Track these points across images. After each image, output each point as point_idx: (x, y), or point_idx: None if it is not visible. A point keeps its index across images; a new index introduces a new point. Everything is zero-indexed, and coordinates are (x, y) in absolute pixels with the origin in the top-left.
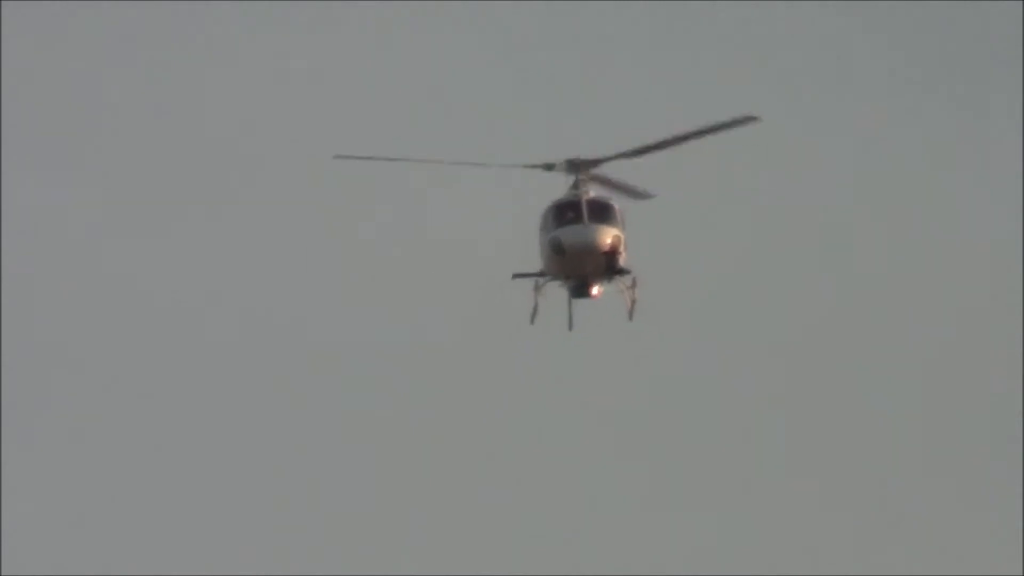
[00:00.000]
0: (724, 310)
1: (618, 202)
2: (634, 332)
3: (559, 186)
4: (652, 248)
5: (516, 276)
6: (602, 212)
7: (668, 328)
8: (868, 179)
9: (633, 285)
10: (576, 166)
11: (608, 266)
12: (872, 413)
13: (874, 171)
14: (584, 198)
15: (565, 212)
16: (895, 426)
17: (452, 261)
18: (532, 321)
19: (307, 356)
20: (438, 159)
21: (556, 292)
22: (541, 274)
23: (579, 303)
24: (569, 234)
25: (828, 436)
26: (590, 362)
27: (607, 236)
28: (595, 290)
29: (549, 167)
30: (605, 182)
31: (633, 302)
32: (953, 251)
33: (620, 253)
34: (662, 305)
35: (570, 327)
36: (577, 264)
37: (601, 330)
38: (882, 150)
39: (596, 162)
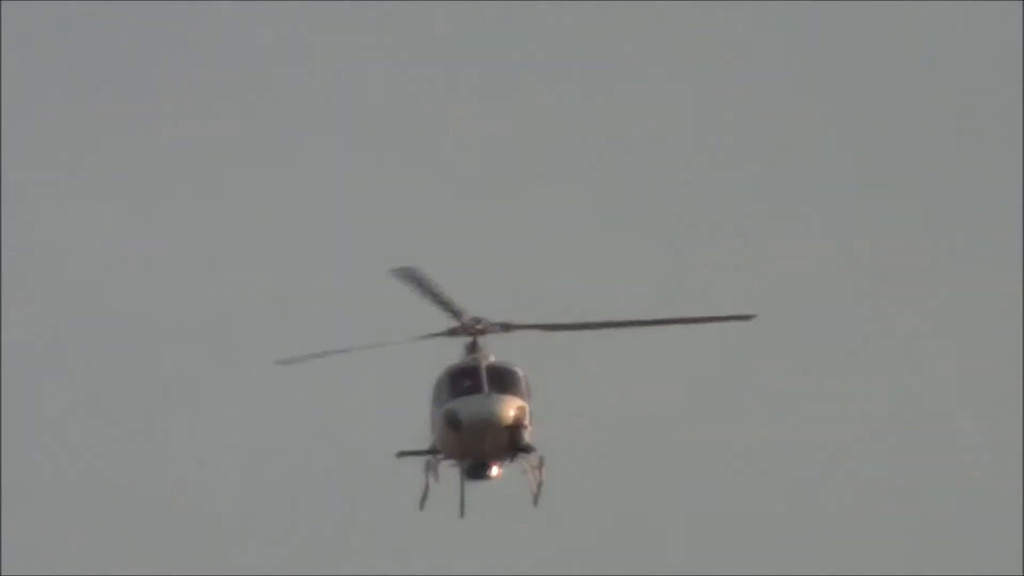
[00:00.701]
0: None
1: (522, 368)
2: (540, 519)
3: (452, 350)
4: (565, 422)
5: (402, 454)
6: (505, 380)
7: (581, 515)
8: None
9: (540, 465)
10: (475, 329)
11: (512, 443)
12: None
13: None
14: (483, 363)
15: (461, 380)
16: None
17: (329, 438)
18: (422, 506)
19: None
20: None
21: (450, 472)
22: (432, 451)
23: (475, 486)
24: (467, 406)
25: None
26: (488, 554)
27: (510, 408)
28: (495, 471)
29: (455, 332)
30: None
31: (539, 484)
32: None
33: (525, 427)
34: (574, 487)
35: (462, 513)
36: (475, 441)
37: (500, 517)
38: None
39: (502, 327)
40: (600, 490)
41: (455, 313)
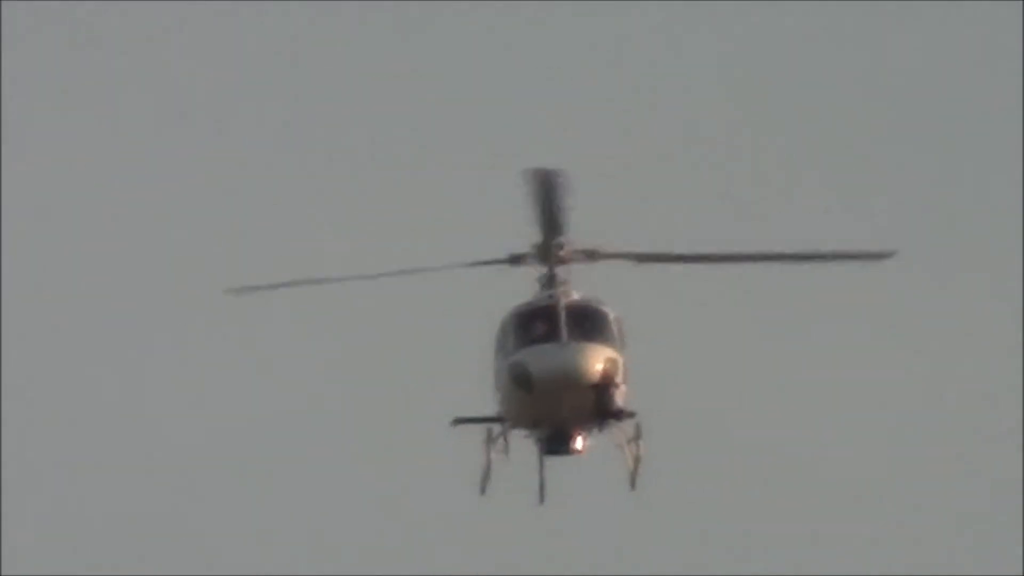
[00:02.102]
0: (775, 470)
1: (614, 309)
2: (639, 507)
3: (522, 285)
4: (669, 380)
5: (458, 421)
6: (590, 324)
7: (689, 502)
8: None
9: (637, 436)
10: (551, 251)
11: (599, 407)
12: None
13: None
14: (562, 302)
15: (533, 325)
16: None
17: (360, 400)
18: (483, 490)
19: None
20: (357, 274)
21: (520, 447)
22: (495, 419)
23: (554, 463)
24: (540, 359)
25: None
26: (570, 553)
27: (597, 360)
28: (579, 443)
29: (517, 260)
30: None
31: (637, 461)
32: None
33: (618, 387)
34: (683, 465)
35: (541, 499)
36: (552, 404)
37: (588, 504)
38: None
39: (587, 254)
40: (714, 468)
41: (555, 233)
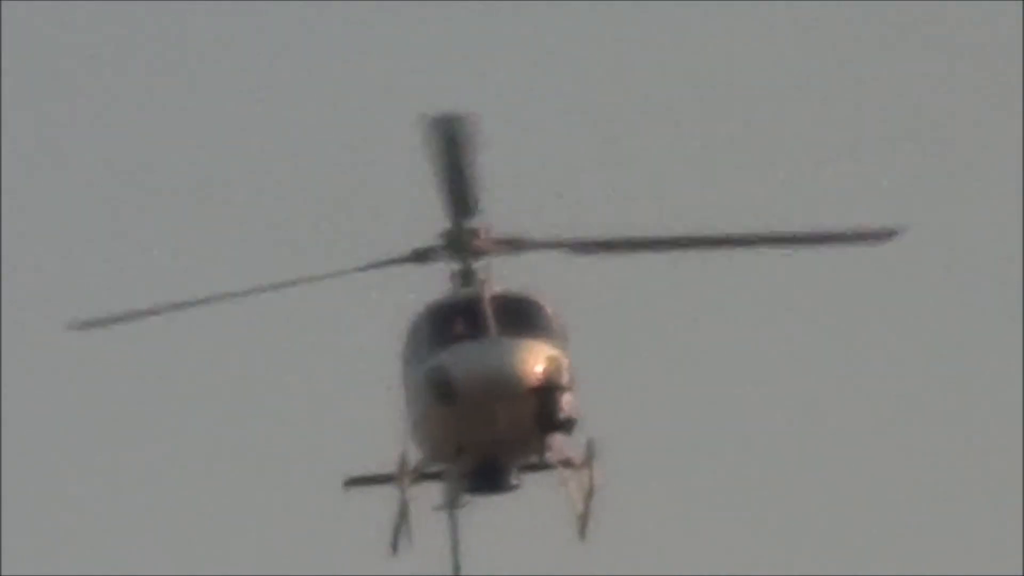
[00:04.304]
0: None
1: (548, 301)
2: (594, 566)
3: (431, 287)
4: (621, 395)
5: (350, 483)
6: (523, 316)
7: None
8: None
9: (590, 459)
10: (464, 241)
11: (543, 418)
12: None
13: None
14: (487, 293)
15: (452, 321)
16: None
17: (233, 463)
18: (395, 549)
19: None
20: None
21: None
22: (399, 471)
23: (473, 511)
24: (463, 360)
25: None
26: None
27: (536, 359)
28: (512, 478)
29: (421, 256)
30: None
31: (589, 496)
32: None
33: (563, 391)
34: (646, 500)
35: (455, 569)
36: (481, 419)
37: (525, 567)
38: None
39: (506, 243)
40: (686, 501)
41: (467, 209)
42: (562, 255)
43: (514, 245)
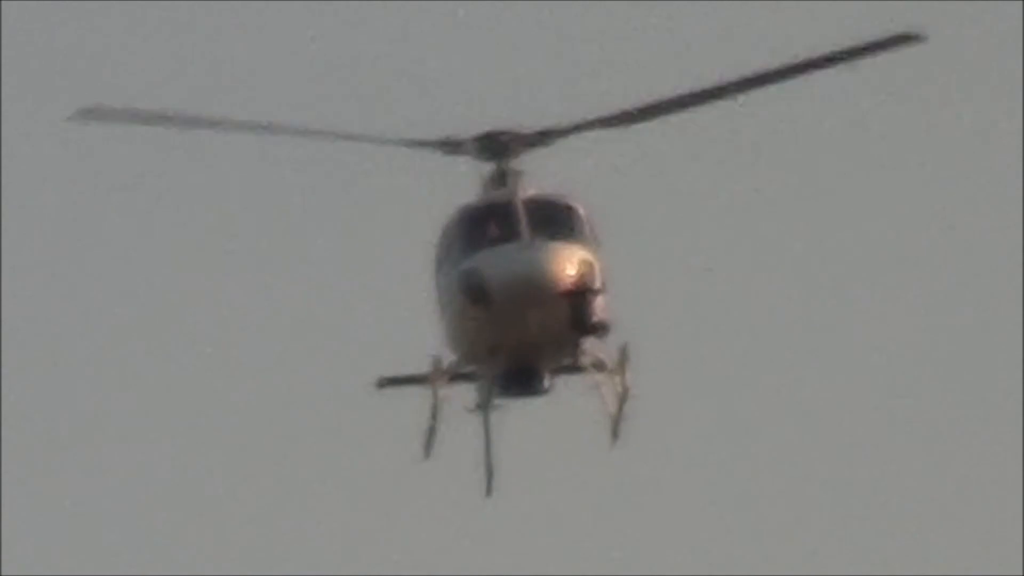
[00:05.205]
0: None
1: (581, 204)
2: (626, 469)
3: (464, 185)
4: (656, 292)
5: (385, 383)
6: (557, 219)
7: (697, 459)
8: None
9: (623, 363)
10: (499, 145)
11: (576, 321)
12: None
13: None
14: (520, 196)
15: (486, 224)
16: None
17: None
18: (427, 451)
19: None
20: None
21: (466, 397)
22: (433, 371)
23: (505, 416)
24: (498, 263)
25: None
26: (535, 537)
27: (570, 262)
28: (545, 380)
29: (452, 146)
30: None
31: (623, 399)
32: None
33: (596, 294)
34: (680, 408)
35: (488, 488)
36: (515, 321)
37: (558, 469)
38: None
39: (539, 137)
40: (719, 406)
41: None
42: (595, 138)
43: (545, 136)
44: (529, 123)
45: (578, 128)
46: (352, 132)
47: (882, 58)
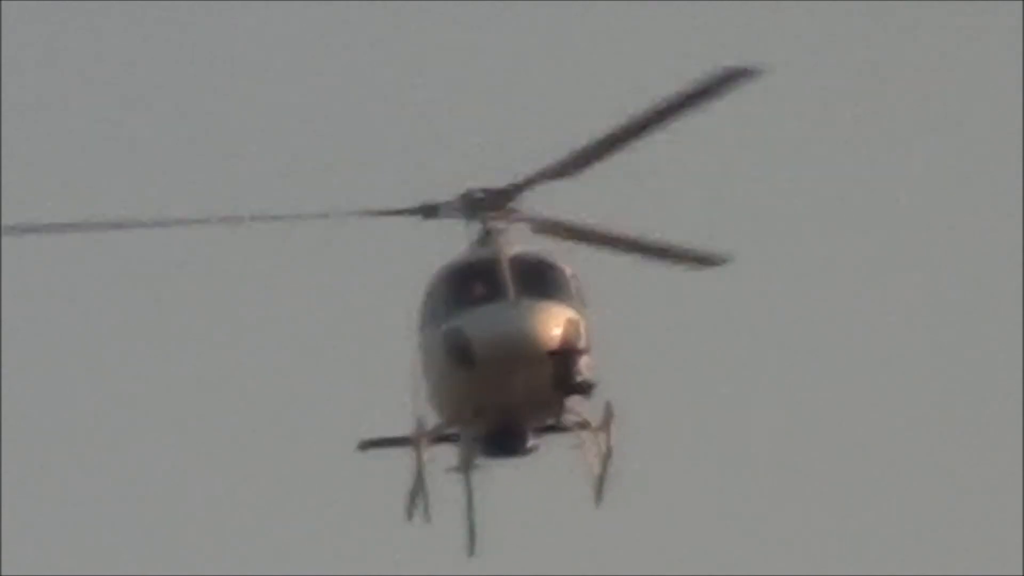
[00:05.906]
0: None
1: (568, 262)
2: (610, 529)
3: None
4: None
5: (367, 445)
6: (542, 279)
7: (682, 519)
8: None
9: (607, 422)
10: (476, 203)
11: (561, 380)
12: None
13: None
14: (505, 255)
15: (471, 283)
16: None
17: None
18: (410, 514)
19: None
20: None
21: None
22: (417, 433)
23: (487, 477)
24: (482, 322)
25: None
26: None
27: (556, 322)
28: (529, 441)
29: (430, 211)
30: (548, 228)
31: (607, 456)
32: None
33: (581, 354)
34: (669, 469)
35: (471, 548)
36: (499, 381)
37: (541, 528)
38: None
39: (516, 189)
40: (704, 466)
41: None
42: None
43: (546, 228)
44: (505, 177)
45: (543, 175)
46: (331, 210)
47: (882, 58)
